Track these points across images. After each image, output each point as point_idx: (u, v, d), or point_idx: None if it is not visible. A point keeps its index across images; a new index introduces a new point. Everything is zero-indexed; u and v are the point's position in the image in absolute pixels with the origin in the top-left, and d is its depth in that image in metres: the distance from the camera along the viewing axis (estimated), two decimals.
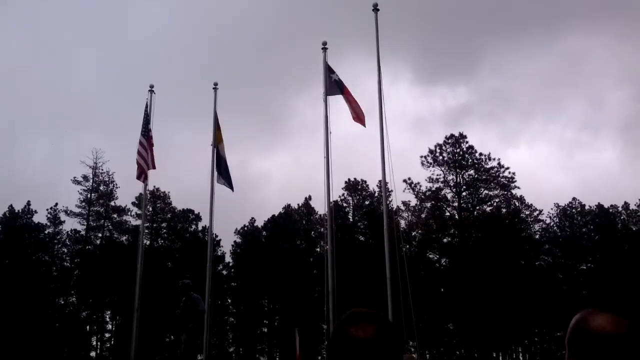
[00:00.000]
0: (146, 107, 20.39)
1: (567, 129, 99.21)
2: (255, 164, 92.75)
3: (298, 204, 64.94)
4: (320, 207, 61.97)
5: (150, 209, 60.08)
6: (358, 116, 17.76)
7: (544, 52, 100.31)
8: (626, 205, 61.82)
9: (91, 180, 60.35)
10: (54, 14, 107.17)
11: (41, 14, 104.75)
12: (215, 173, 20.46)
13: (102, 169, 60.68)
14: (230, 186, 20.53)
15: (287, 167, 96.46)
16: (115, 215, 61.42)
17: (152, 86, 20.81)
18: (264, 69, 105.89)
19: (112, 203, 61.27)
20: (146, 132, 19.88)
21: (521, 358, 60.62)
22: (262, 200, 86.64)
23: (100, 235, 61.10)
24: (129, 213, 61.45)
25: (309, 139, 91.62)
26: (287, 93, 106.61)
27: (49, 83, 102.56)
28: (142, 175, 19.70)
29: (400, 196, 58.31)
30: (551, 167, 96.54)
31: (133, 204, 60.51)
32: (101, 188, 60.90)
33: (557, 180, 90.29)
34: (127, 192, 63.79)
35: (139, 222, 55.07)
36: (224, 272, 63.10)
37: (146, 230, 55.02)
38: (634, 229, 59.92)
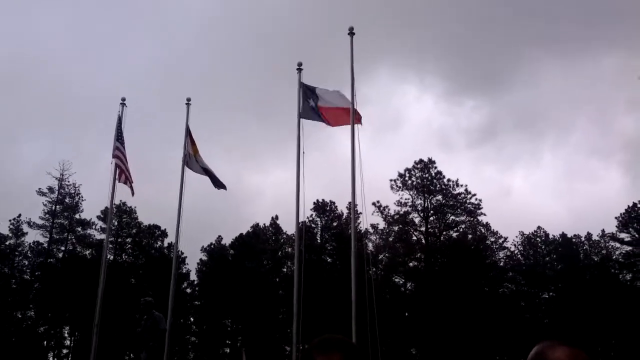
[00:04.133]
0: (118, 120, 20.30)
1: (575, 154, 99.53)
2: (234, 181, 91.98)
3: (265, 224, 64.75)
4: (288, 227, 61.86)
5: (116, 223, 59.16)
6: (350, 119, 17.32)
7: (576, 73, 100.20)
8: (589, 235, 63.01)
9: (56, 192, 59.33)
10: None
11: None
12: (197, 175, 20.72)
13: (69, 181, 59.79)
14: (223, 186, 20.91)
15: (260, 187, 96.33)
16: (79, 229, 60.27)
17: (123, 99, 20.68)
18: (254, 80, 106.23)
19: (77, 216, 60.26)
20: (121, 144, 19.90)
21: None
22: (233, 218, 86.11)
23: (63, 248, 59.88)
24: (94, 227, 60.45)
25: (282, 160, 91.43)
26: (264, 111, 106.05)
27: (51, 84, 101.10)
28: (121, 175, 19.66)
29: (369, 219, 58.59)
30: (548, 191, 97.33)
31: (98, 217, 59.61)
32: (66, 200, 59.86)
33: (552, 205, 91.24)
34: (92, 205, 62.80)
35: (103, 236, 54.21)
36: (188, 291, 62.29)
37: (110, 245, 54.14)
38: (595, 259, 61.00)
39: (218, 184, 20.74)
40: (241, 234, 63.35)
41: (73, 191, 60.01)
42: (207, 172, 20.70)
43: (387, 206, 58.90)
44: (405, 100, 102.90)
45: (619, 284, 56.38)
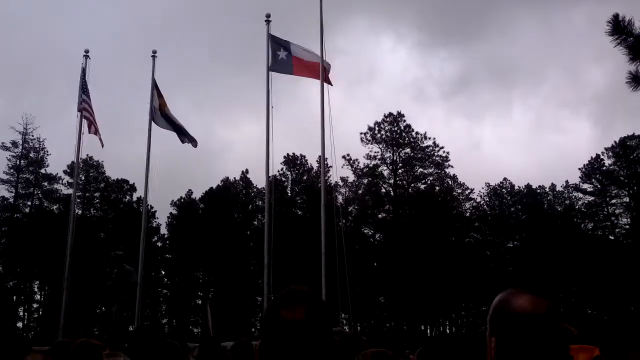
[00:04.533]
0: (82, 72, 19.82)
1: (546, 104, 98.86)
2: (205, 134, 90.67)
3: (235, 178, 64.56)
4: (258, 180, 61.82)
5: (83, 177, 58.37)
6: (322, 76, 17.13)
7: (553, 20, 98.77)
8: (553, 186, 64.34)
9: (20, 147, 58.07)
10: None
11: None
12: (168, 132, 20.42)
13: (33, 135, 58.48)
14: (193, 141, 20.44)
15: (230, 141, 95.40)
16: (45, 183, 59.33)
17: (87, 51, 20.15)
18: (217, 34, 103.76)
19: (43, 170, 59.18)
20: (87, 97, 19.55)
21: (447, 331, 62.71)
22: (203, 173, 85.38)
23: (29, 203, 58.99)
24: (61, 181, 59.54)
25: (253, 114, 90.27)
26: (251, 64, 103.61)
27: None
28: (91, 127, 19.45)
29: (339, 172, 58.89)
30: (516, 143, 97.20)
31: (65, 172, 58.65)
32: (31, 155, 58.68)
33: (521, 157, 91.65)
34: (58, 160, 61.55)
35: (70, 190, 53.45)
36: (159, 244, 62.22)
37: (78, 200, 53.52)
38: (559, 209, 62.47)
39: (188, 137, 20.41)
40: (211, 188, 63.15)
41: (38, 145, 58.77)
42: (175, 125, 20.36)
43: (356, 159, 59.36)
44: (378, 51, 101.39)
45: (581, 233, 58.03)
